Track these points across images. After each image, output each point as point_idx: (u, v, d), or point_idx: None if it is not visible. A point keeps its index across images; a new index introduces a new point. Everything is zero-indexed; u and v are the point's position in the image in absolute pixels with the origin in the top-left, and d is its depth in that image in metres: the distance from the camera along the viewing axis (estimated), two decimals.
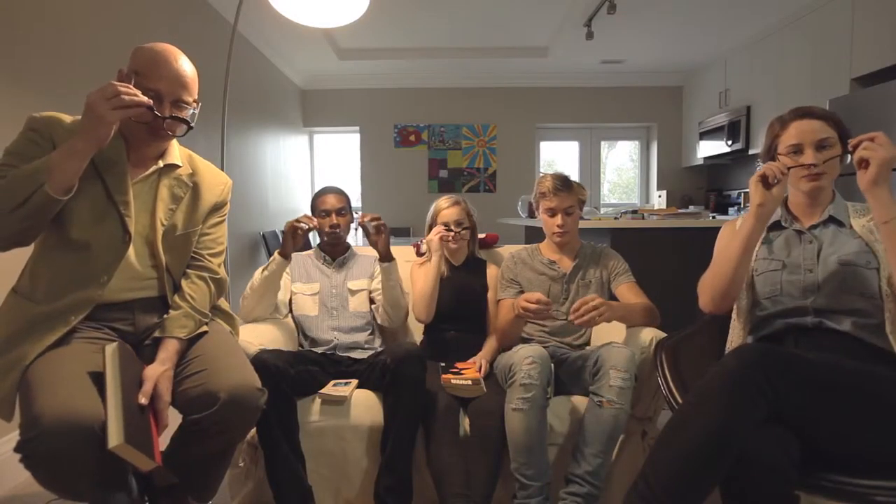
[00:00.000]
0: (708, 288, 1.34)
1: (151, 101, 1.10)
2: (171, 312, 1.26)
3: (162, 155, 1.30)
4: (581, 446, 1.39)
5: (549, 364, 1.44)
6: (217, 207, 1.39)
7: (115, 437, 0.99)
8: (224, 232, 1.43)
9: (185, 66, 1.23)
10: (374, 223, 1.71)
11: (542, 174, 1.82)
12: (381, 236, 1.72)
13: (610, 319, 1.52)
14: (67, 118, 1.21)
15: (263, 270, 1.68)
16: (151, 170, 1.27)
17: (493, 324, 1.81)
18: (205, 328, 1.30)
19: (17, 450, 0.97)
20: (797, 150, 1.26)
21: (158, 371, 1.15)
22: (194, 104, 1.26)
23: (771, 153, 1.33)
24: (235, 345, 1.34)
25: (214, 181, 1.39)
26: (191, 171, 1.35)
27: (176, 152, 1.33)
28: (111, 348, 1.10)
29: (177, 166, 1.32)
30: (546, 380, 1.41)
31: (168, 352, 1.20)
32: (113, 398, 1.03)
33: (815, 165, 1.24)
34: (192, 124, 1.26)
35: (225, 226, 1.44)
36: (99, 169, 1.19)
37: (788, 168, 1.24)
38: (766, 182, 1.24)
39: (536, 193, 1.78)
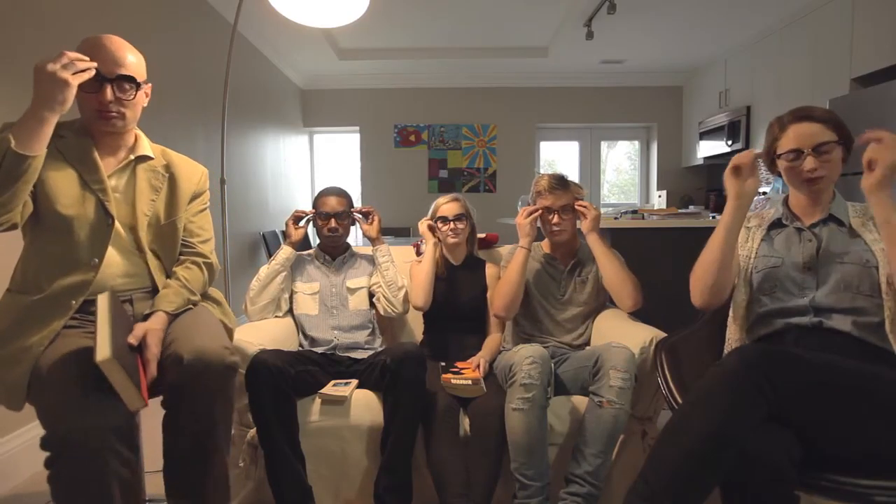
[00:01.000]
0: (697, 282, 1.34)
1: (96, 63, 1.13)
2: (162, 290, 1.29)
3: (132, 148, 1.33)
4: (581, 446, 1.39)
5: (549, 364, 1.44)
6: (196, 196, 1.43)
7: (102, 351, 0.99)
8: (209, 220, 1.48)
9: (127, 52, 1.24)
10: (363, 211, 1.85)
11: (538, 174, 1.83)
12: (373, 223, 1.85)
13: (594, 226, 1.71)
14: None
15: (270, 262, 1.75)
16: (124, 162, 1.30)
17: (491, 306, 1.81)
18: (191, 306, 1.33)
19: (46, 465, 1.01)
20: (796, 154, 1.24)
21: (147, 326, 1.19)
22: (139, 83, 1.27)
23: (770, 155, 1.32)
24: (212, 319, 1.33)
25: (190, 171, 1.42)
26: (165, 163, 1.38)
27: (146, 145, 1.36)
28: (104, 295, 1.13)
29: (149, 157, 1.35)
30: (546, 380, 1.41)
31: (157, 319, 1.22)
32: (103, 325, 1.05)
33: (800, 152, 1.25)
34: (142, 85, 1.27)
35: (209, 214, 1.48)
36: (69, 159, 1.22)
37: (756, 157, 1.26)
38: (738, 172, 1.25)
39: (533, 193, 1.79)
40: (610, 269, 1.69)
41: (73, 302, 1.17)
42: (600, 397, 1.39)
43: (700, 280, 1.32)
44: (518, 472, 1.37)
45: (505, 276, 1.73)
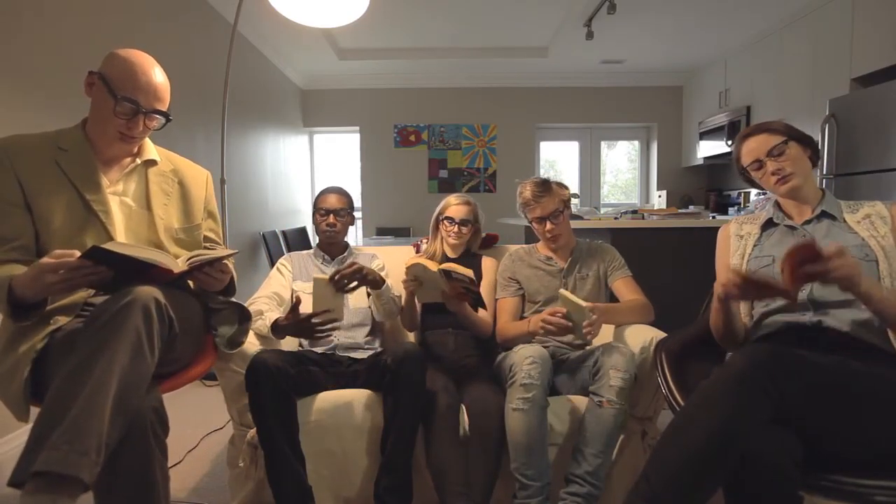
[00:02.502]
0: (714, 333, 1.38)
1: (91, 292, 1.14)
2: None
3: (138, 152, 1.33)
4: (581, 446, 1.39)
5: (549, 364, 1.44)
6: (207, 203, 1.45)
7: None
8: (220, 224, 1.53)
9: (160, 77, 1.26)
10: (350, 274, 1.53)
11: (521, 184, 1.81)
12: (365, 280, 1.59)
13: (603, 323, 1.54)
14: (32, 135, 1.23)
15: (255, 320, 1.58)
16: (130, 167, 1.30)
17: (498, 321, 1.81)
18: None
19: None
20: (759, 165, 1.34)
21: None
22: (169, 117, 1.30)
23: (742, 173, 1.42)
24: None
25: (196, 176, 1.44)
26: (172, 168, 1.38)
27: (152, 148, 1.36)
28: (114, 244, 1.10)
29: (155, 161, 1.35)
30: (546, 380, 1.41)
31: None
32: (139, 250, 1.09)
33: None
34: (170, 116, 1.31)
35: (219, 218, 1.53)
36: (70, 178, 1.20)
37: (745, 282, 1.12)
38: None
39: (520, 204, 1.79)
40: (630, 320, 1.68)
41: (61, 318, 1.15)
42: (600, 397, 1.39)
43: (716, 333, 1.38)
44: (518, 471, 1.37)
45: (502, 328, 1.74)
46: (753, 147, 1.35)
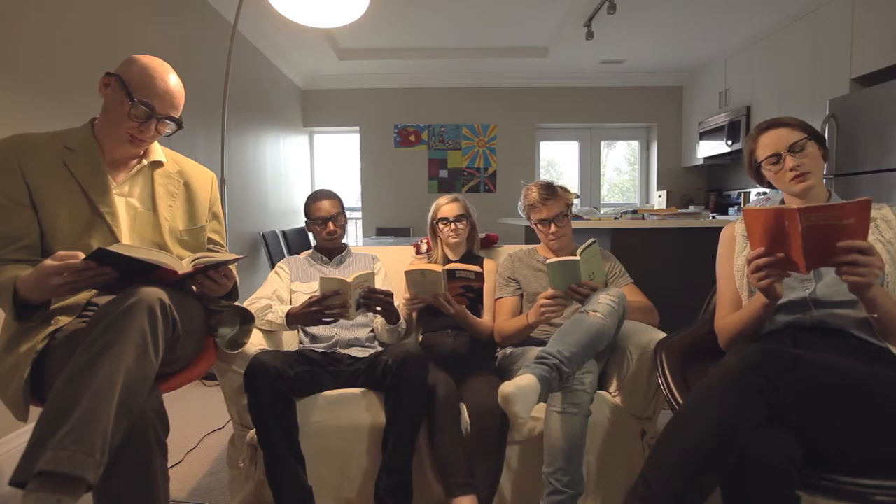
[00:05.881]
0: (727, 337, 1.33)
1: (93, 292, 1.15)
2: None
3: (144, 154, 1.33)
4: (560, 336, 1.40)
5: (597, 375, 1.44)
6: (212, 205, 1.45)
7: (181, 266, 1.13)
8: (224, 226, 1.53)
9: (175, 83, 1.27)
10: (377, 300, 1.57)
11: (526, 186, 1.84)
12: (387, 311, 1.63)
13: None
14: (39, 134, 1.22)
15: (265, 313, 1.62)
16: (137, 168, 1.30)
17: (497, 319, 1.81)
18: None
19: None
20: (777, 159, 1.30)
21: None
22: (181, 124, 1.31)
23: (754, 168, 1.38)
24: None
25: (202, 177, 1.44)
26: (179, 169, 1.39)
27: (158, 149, 1.37)
28: (118, 245, 1.10)
29: (161, 163, 1.35)
30: (595, 390, 1.41)
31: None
32: (142, 252, 1.08)
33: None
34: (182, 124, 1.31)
35: (223, 220, 1.53)
36: (78, 179, 1.20)
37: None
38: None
39: (525, 205, 1.81)
40: (636, 317, 1.65)
41: (62, 318, 1.15)
42: (588, 309, 1.43)
43: (730, 337, 1.32)
44: (553, 476, 1.33)
45: (502, 326, 1.72)
46: (774, 140, 1.31)
